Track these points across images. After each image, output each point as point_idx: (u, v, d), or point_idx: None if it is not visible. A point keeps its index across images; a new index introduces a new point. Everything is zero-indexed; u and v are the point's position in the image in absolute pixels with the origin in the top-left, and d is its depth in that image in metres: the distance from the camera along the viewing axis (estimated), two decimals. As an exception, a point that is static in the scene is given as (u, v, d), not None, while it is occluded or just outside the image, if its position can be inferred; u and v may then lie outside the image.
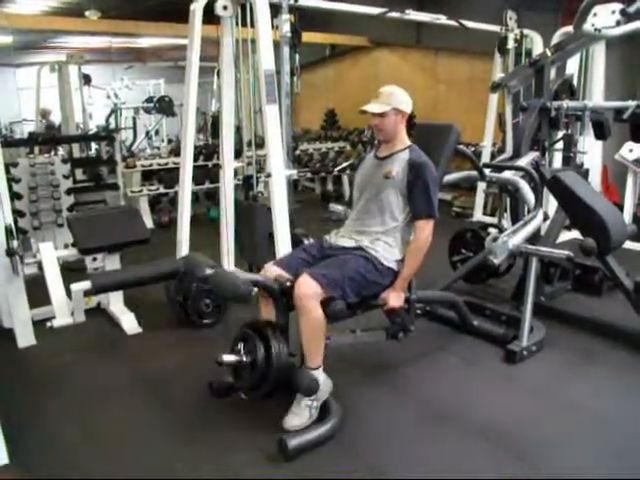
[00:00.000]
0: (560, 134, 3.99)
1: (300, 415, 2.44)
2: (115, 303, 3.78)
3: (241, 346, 2.46)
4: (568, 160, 4.18)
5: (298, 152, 7.88)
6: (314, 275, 2.41)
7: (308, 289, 2.38)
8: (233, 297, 2.46)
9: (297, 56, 4.02)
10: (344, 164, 7.57)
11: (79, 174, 6.61)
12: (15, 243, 3.25)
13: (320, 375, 2.46)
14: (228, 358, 2.42)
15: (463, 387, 2.87)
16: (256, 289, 2.52)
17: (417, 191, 2.64)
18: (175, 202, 5.82)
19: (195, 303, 3.54)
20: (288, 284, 2.43)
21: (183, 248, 3.92)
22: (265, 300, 2.61)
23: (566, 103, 3.68)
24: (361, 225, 2.73)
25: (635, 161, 5.36)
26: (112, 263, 3.72)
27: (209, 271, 2.46)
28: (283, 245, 3.58)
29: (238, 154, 4.45)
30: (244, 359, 2.42)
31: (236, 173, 4.63)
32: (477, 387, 2.88)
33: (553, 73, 4.11)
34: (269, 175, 3.70)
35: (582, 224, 3.30)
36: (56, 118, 8.61)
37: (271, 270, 2.59)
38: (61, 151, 7.07)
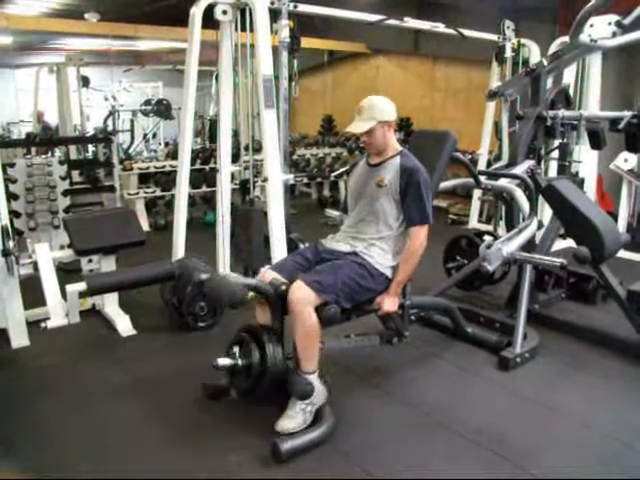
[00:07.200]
0: (556, 143, 4.02)
1: (294, 418, 2.43)
2: (110, 305, 3.78)
3: (236, 350, 2.47)
4: (563, 169, 4.21)
5: (295, 157, 7.89)
6: (308, 281, 2.43)
7: (302, 295, 2.40)
8: (229, 303, 2.48)
9: (295, 61, 4.04)
10: (341, 170, 7.56)
11: (76, 176, 6.60)
12: (11, 244, 3.25)
13: (315, 380, 2.46)
14: (224, 362, 2.44)
15: (456, 393, 2.88)
16: (252, 293, 2.52)
17: (410, 197, 2.64)
18: (171, 205, 5.83)
19: (190, 306, 3.54)
20: (283, 287, 2.44)
21: (179, 251, 3.92)
22: (260, 305, 2.61)
23: (562, 112, 3.71)
24: (356, 232, 2.74)
25: (630, 171, 5.40)
26: (108, 265, 3.72)
27: (204, 276, 2.47)
28: (279, 249, 3.59)
29: (235, 158, 4.46)
30: (239, 363, 2.44)
31: (233, 177, 4.64)
32: (470, 393, 2.89)
33: (549, 82, 4.14)
34: (266, 179, 3.71)
35: (576, 233, 3.33)
36: (53, 120, 8.61)
37: (267, 275, 2.61)
38: (58, 152, 7.07)
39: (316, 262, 2.69)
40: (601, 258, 3.21)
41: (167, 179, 6.60)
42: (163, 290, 3.76)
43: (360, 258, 2.62)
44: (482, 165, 6.13)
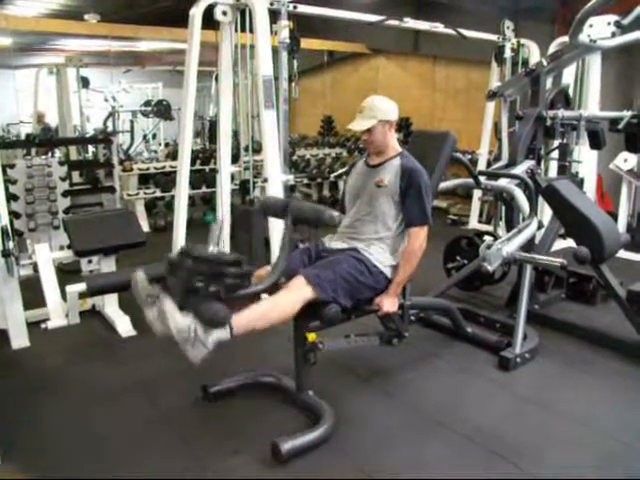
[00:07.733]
0: (555, 143, 4.02)
1: (181, 320, 2.11)
2: (110, 306, 3.78)
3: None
4: (563, 169, 4.20)
5: (295, 158, 7.90)
6: (309, 277, 2.42)
7: (298, 287, 2.39)
8: (317, 222, 2.51)
9: (295, 62, 4.05)
10: (340, 170, 7.58)
11: (76, 177, 6.61)
12: (11, 244, 3.25)
13: (220, 333, 2.18)
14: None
15: (456, 393, 2.88)
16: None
17: (410, 198, 2.64)
18: (171, 206, 5.83)
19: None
20: (282, 281, 2.44)
21: (179, 252, 3.91)
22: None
23: (561, 112, 3.71)
24: (354, 232, 2.74)
25: (629, 171, 5.40)
26: (108, 266, 3.72)
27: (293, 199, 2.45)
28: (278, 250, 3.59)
29: (235, 159, 4.47)
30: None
31: (233, 178, 4.64)
32: (470, 393, 2.89)
33: (549, 82, 4.14)
34: (266, 180, 3.72)
35: (576, 233, 3.33)
36: (54, 120, 8.62)
37: (265, 270, 2.63)
38: (58, 153, 7.08)
39: (316, 259, 2.70)
40: (601, 258, 3.21)
41: (167, 180, 6.61)
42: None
43: (360, 254, 2.62)
44: (482, 165, 6.13)
